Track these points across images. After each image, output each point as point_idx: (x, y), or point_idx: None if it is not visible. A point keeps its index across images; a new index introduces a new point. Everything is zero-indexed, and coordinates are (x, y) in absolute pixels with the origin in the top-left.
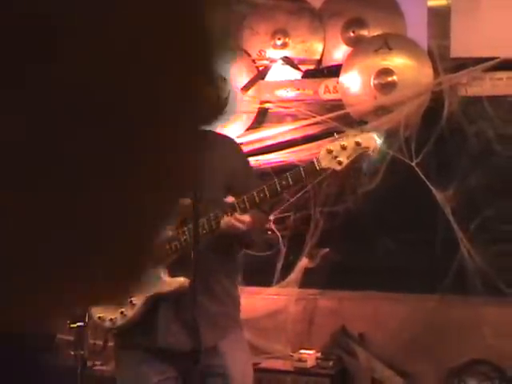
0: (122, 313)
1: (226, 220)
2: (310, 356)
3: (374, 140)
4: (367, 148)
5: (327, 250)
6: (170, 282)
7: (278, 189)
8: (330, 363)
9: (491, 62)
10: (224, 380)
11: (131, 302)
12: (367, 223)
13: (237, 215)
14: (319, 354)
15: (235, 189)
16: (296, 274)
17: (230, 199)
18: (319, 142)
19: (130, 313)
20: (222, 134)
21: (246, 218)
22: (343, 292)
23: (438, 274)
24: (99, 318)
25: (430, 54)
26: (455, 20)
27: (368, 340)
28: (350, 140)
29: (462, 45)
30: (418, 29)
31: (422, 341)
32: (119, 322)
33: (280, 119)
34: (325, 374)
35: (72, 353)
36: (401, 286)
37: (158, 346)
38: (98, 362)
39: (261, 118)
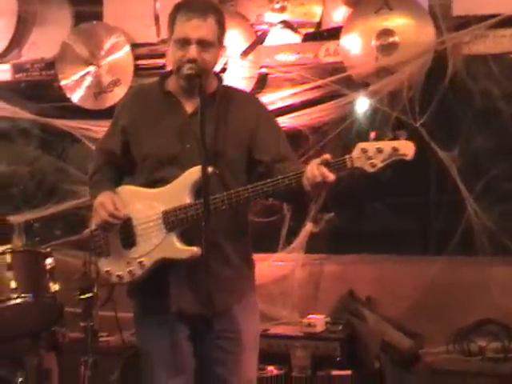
0: (130, 271)
1: (312, 170)
2: (318, 321)
3: (412, 148)
4: (405, 155)
5: (332, 214)
6: (183, 250)
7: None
8: (339, 327)
9: (494, 19)
10: (236, 343)
11: (141, 262)
12: (373, 186)
13: (325, 169)
14: (328, 319)
15: (256, 146)
16: (301, 239)
17: (328, 156)
18: (321, 106)
19: (138, 272)
20: (243, 91)
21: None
22: (349, 256)
23: (444, 236)
24: (106, 271)
25: (432, 12)
26: None
27: (376, 303)
28: (387, 144)
29: (464, 2)
30: None
31: (430, 302)
32: (126, 279)
33: (280, 84)
34: (334, 338)
35: (81, 324)
36: (407, 249)
37: (171, 311)
38: (105, 334)
39: (261, 84)
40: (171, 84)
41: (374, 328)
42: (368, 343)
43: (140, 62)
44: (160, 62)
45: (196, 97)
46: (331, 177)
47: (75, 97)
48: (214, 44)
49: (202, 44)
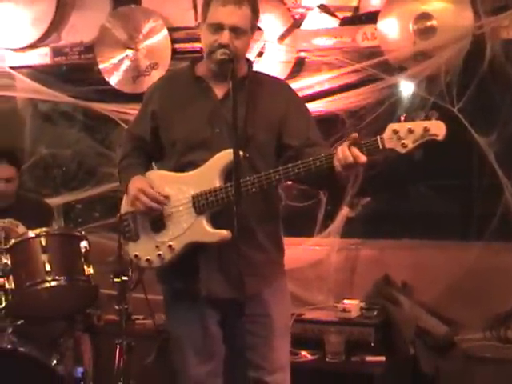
0: (159, 255)
1: (343, 151)
2: (353, 306)
3: (443, 128)
4: (436, 135)
5: (368, 199)
6: (213, 234)
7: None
8: (374, 313)
9: None
10: (267, 328)
11: (170, 246)
12: (408, 171)
13: (357, 150)
14: (363, 304)
15: (285, 131)
16: (337, 223)
17: (355, 135)
18: (358, 90)
19: (167, 256)
20: (273, 76)
21: (364, 157)
22: (385, 241)
23: (482, 221)
24: (135, 256)
25: None
26: None
27: (411, 288)
28: (418, 124)
29: None
30: None
31: (467, 288)
32: (156, 263)
33: (317, 68)
34: (369, 323)
35: (116, 307)
36: (444, 234)
37: (201, 295)
38: (140, 316)
39: (298, 68)
40: (201, 69)
41: (409, 314)
42: (403, 329)
43: (177, 45)
44: (197, 45)
45: (226, 81)
46: (363, 158)
47: (113, 80)
48: (247, 32)
49: (235, 31)
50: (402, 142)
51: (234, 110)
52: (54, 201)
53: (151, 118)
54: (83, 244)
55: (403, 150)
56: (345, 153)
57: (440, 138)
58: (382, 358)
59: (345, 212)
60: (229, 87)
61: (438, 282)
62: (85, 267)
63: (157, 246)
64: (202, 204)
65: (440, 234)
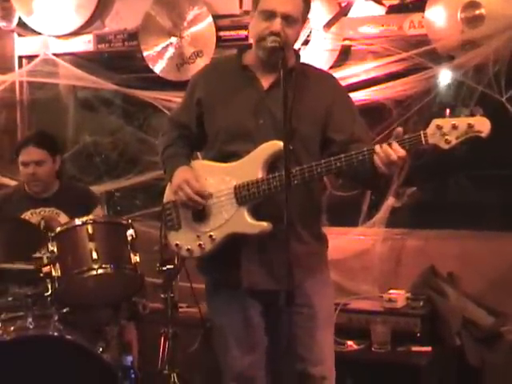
0: (200, 245)
1: (384, 150)
2: (399, 296)
3: (487, 124)
4: (480, 132)
5: (414, 188)
6: (253, 225)
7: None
8: (421, 303)
9: None
10: (310, 319)
11: (211, 236)
12: (455, 161)
13: (397, 146)
14: (409, 294)
15: (330, 125)
16: (383, 213)
17: (399, 130)
18: (404, 79)
19: (208, 246)
20: (320, 69)
21: (405, 153)
22: (430, 231)
23: None
24: (176, 245)
25: None
26: None
27: (457, 279)
28: (462, 120)
29: None
30: None
31: None
32: (196, 253)
33: (363, 56)
34: (415, 314)
35: (162, 295)
36: (489, 225)
37: (243, 286)
38: (184, 305)
39: (344, 56)
40: (249, 58)
41: (455, 304)
42: (449, 320)
43: (222, 33)
44: (242, 33)
45: (273, 72)
46: (402, 152)
47: (157, 68)
48: (298, 20)
49: (287, 19)
50: (446, 137)
51: (285, 100)
52: (97, 189)
53: (196, 106)
54: (129, 232)
55: (446, 146)
56: (386, 150)
57: (484, 134)
58: (428, 349)
59: (390, 202)
60: (275, 78)
61: (485, 272)
62: (131, 255)
63: (198, 236)
64: (243, 195)
65: (486, 225)
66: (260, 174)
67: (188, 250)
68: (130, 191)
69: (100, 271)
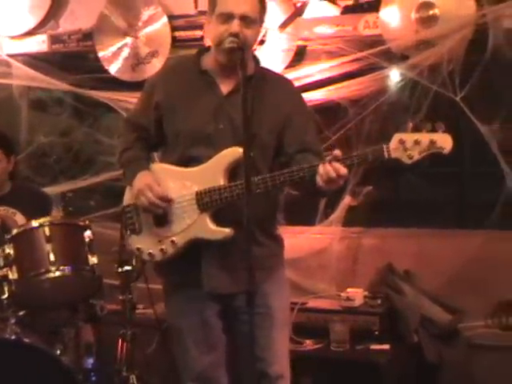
0: (161, 250)
1: (326, 170)
2: (357, 294)
3: (449, 141)
4: (442, 148)
5: (370, 187)
6: (216, 231)
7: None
8: (378, 301)
9: None
10: (267, 319)
11: (172, 241)
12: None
13: (341, 168)
14: (366, 293)
15: (286, 134)
16: (339, 212)
17: (338, 152)
18: (360, 79)
19: (170, 251)
20: (279, 75)
21: (345, 170)
22: (387, 229)
23: (483, 208)
24: (138, 249)
25: None
26: None
27: (414, 277)
28: (425, 136)
29: None
30: None
31: (469, 276)
32: (158, 257)
33: (318, 56)
34: (373, 312)
35: (120, 297)
36: (446, 222)
37: (204, 290)
38: (141, 306)
39: (299, 56)
40: (208, 61)
41: (413, 302)
42: (406, 317)
43: (177, 33)
44: (198, 33)
45: (232, 77)
46: (343, 170)
47: (112, 68)
48: (256, 21)
49: (245, 20)
50: (408, 152)
51: (244, 102)
52: (52, 190)
53: (155, 109)
54: (87, 233)
55: (409, 161)
56: (326, 168)
57: (446, 151)
58: (387, 347)
59: (347, 201)
60: (234, 83)
61: (441, 270)
62: (89, 257)
63: (159, 241)
64: (205, 201)
65: (442, 223)
66: (222, 181)
67: (149, 254)
68: (86, 192)
69: (57, 273)
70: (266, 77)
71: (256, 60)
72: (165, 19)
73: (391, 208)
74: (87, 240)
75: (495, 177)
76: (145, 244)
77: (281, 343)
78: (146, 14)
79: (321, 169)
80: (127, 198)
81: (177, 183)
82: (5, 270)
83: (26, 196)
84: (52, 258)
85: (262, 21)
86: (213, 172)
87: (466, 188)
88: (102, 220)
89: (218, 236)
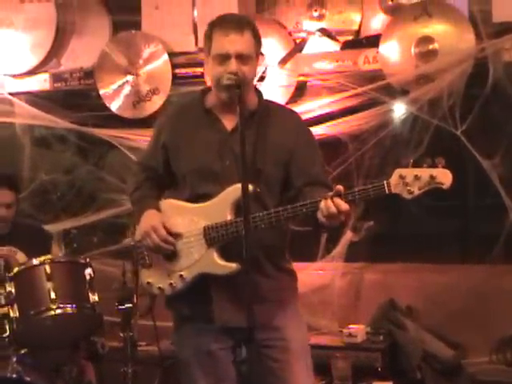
0: (170, 284)
1: (326, 207)
2: (359, 330)
3: (449, 176)
4: (442, 184)
5: (371, 223)
6: (223, 266)
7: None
8: (380, 337)
9: None
10: (283, 351)
11: (181, 275)
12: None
13: (342, 204)
14: (368, 329)
15: (292, 167)
16: (341, 247)
17: (340, 188)
18: (360, 114)
19: (179, 285)
20: (284, 107)
21: (347, 206)
22: (389, 264)
23: (485, 242)
24: (148, 283)
25: (472, 19)
26: None
27: (416, 312)
28: (424, 171)
29: (504, 9)
30: None
31: (472, 311)
32: (167, 291)
33: (319, 92)
34: (375, 348)
35: (121, 334)
36: (448, 257)
37: (214, 323)
38: (143, 343)
39: (299, 92)
40: (210, 100)
41: (415, 338)
42: (409, 353)
43: (178, 70)
44: (198, 70)
45: (235, 113)
46: (344, 206)
47: (114, 106)
48: (252, 57)
49: (241, 57)
50: (408, 188)
51: (242, 141)
52: (54, 227)
53: (162, 149)
54: (87, 271)
55: (409, 196)
56: (327, 203)
57: (445, 186)
58: (390, 383)
59: (348, 236)
60: (237, 119)
61: (443, 305)
62: (89, 294)
63: (168, 275)
64: (212, 236)
65: (444, 257)
66: (229, 216)
67: (159, 288)
68: (88, 229)
69: (58, 311)
70: (270, 110)
71: (259, 94)
72: (165, 57)
73: (392, 243)
74: (88, 278)
75: (498, 210)
76: (155, 278)
77: (301, 375)
78: (146, 51)
79: (322, 204)
80: (138, 234)
81: (185, 219)
82: (6, 308)
83: (27, 234)
84: (53, 295)
85: (258, 55)
86: (220, 208)
87: (469, 221)
88: (103, 257)
89: (224, 271)
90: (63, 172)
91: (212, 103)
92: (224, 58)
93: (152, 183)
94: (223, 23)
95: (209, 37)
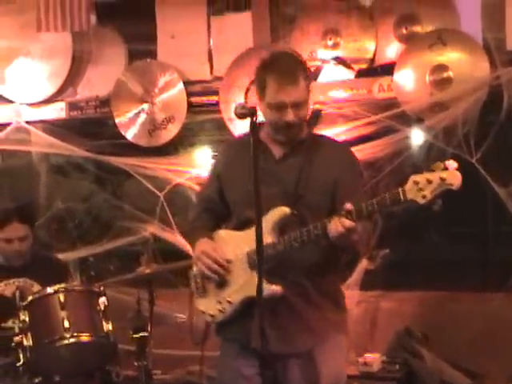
0: (220, 310)
1: (334, 226)
2: (375, 359)
3: (458, 177)
4: (451, 185)
5: (387, 250)
6: (264, 289)
7: (364, 211)
8: (396, 366)
9: None
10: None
11: (229, 301)
12: (427, 223)
13: (346, 222)
14: (384, 357)
15: (339, 197)
16: (357, 275)
17: (349, 206)
18: (375, 142)
19: (228, 311)
20: (332, 139)
21: (353, 225)
22: (404, 293)
23: (504, 268)
24: (202, 311)
25: (486, 47)
26: (510, 11)
27: (433, 341)
28: (435, 175)
29: None
30: (471, 22)
31: (489, 340)
32: (218, 317)
33: (334, 120)
34: (392, 377)
35: (135, 363)
36: (464, 285)
37: (251, 346)
38: (158, 371)
39: (314, 120)
40: (262, 133)
41: (432, 367)
42: (426, 383)
43: (193, 99)
44: (213, 99)
45: (284, 143)
46: (347, 223)
47: (129, 134)
48: (307, 100)
49: (297, 105)
50: (422, 193)
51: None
52: (70, 255)
53: (217, 180)
54: (102, 300)
55: (423, 201)
56: (335, 223)
57: (455, 187)
58: None
59: (364, 264)
60: (287, 149)
61: (460, 333)
62: (103, 323)
63: (219, 302)
64: (254, 260)
65: (460, 285)
66: (269, 239)
67: (211, 315)
68: (104, 257)
69: (72, 340)
70: (319, 142)
71: (310, 126)
72: (181, 85)
73: (408, 271)
74: (102, 306)
75: None
76: (207, 306)
77: None
78: (162, 80)
79: (330, 224)
80: (193, 261)
81: (233, 246)
82: (20, 336)
83: (44, 266)
84: (66, 324)
85: (309, 91)
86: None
87: (487, 249)
88: (119, 285)
89: (265, 293)
90: (80, 200)
91: (263, 135)
92: (280, 107)
93: (209, 214)
94: (278, 71)
95: (262, 81)
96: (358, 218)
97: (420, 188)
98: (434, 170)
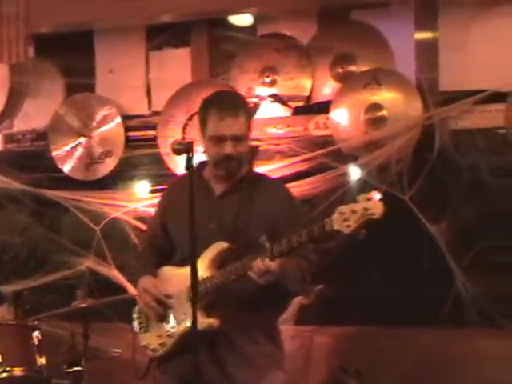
0: (160, 344)
1: (255, 264)
2: None
3: (380, 207)
4: (374, 214)
5: (322, 286)
6: (201, 322)
7: (294, 243)
8: None
9: (480, 95)
10: None
11: (169, 335)
12: (360, 259)
13: (266, 261)
14: None
15: (277, 234)
16: (291, 310)
17: (267, 244)
18: (310, 179)
19: (168, 344)
20: (271, 178)
21: (272, 264)
22: (339, 328)
23: (433, 307)
24: (144, 346)
25: (419, 87)
26: (443, 53)
27: (366, 376)
28: (359, 205)
29: (450, 78)
30: (406, 62)
31: (421, 375)
32: (159, 351)
33: (270, 156)
34: None
35: None
36: (397, 320)
37: (188, 378)
38: None
39: (251, 156)
40: (206, 170)
41: None
42: None
43: (131, 133)
44: (151, 133)
45: (225, 180)
46: (266, 262)
47: (66, 167)
48: (246, 136)
49: (236, 139)
50: (347, 223)
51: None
52: (4, 289)
53: (161, 215)
54: (35, 334)
55: (347, 230)
56: (257, 264)
57: (377, 216)
58: None
59: (298, 299)
60: (227, 186)
61: (393, 369)
62: (37, 358)
63: (159, 336)
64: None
65: (393, 321)
66: (207, 273)
67: (152, 349)
68: (39, 290)
69: (4, 374)
70: (258, 179)
71: (250, 164)
72: (119, 119)
73: (343, 306)
74: (36, 341)
75: (445, 274)
76: (149, 341)
77: None
78: (100, 114)
79: (253, 264)
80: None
81: (176, 281)
82: None
83: None
84: None
85: (250, 129)
86: (200, 266)
87: (419, 285)
88: (53, 319)
89: (202, 326)
90: (15, 233)
91: (207, 173)
92: (219, 141)
93: (151, 251)
94: (219, 105)
95: (204, 116)
96: (287, 254)
97: (345, 218)
98: (359, 201)
